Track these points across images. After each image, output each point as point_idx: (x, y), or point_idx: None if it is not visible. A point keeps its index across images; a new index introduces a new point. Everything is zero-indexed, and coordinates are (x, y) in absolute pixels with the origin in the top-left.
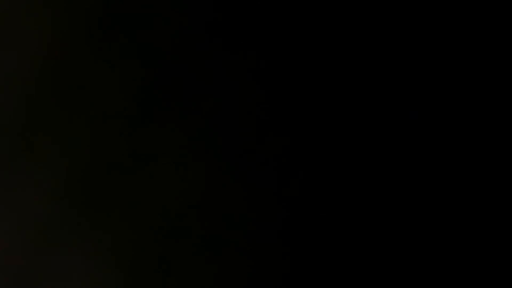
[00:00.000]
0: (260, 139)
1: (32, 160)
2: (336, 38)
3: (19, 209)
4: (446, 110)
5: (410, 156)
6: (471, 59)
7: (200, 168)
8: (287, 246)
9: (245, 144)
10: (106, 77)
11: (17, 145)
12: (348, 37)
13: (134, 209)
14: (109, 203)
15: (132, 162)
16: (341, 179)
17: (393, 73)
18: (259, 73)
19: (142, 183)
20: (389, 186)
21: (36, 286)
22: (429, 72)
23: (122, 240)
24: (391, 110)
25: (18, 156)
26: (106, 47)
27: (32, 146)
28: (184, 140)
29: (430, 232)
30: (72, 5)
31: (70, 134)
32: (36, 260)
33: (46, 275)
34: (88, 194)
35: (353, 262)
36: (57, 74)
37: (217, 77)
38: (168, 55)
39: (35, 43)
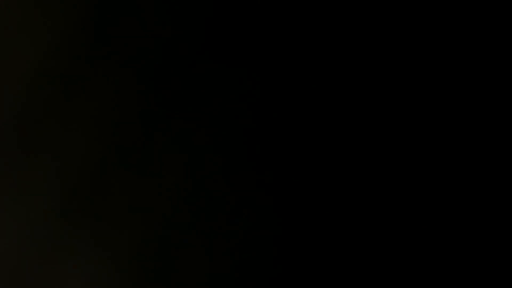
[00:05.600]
0: (259, 140)
1: (27, 166)
2: (335, 39)
3: (15, 214)
4: (446, 110)
5: (410, 156)
6: (471, 59)
7: (197, 171)
8: (287, 246)
9: (244, 146)
10: (102, 82)
11: (12, 150)
12: (348, 37)
13: (131, 213)
14: (105, 207)
15: (128, 166)
16: (340, 180)
17: (391, 73)
18: (259, 75)
19: (138, 187)
20: (388, 187)
21: None
22: (429, 72)
23: (118, 244)
24: (390, 111)
25: (13, 162)
26: (102, 52)
27: (27, 152)
28: (180, 145)
29: (430, 232)
30: (68, 11)
31: (65, 140)
32: (33, 264)
33: (43, 278)
34: (84, 198)
35: (351, 262)
36: (53, 79)
37: (215, 80)
38: (165, 59)
39: (31, 48)
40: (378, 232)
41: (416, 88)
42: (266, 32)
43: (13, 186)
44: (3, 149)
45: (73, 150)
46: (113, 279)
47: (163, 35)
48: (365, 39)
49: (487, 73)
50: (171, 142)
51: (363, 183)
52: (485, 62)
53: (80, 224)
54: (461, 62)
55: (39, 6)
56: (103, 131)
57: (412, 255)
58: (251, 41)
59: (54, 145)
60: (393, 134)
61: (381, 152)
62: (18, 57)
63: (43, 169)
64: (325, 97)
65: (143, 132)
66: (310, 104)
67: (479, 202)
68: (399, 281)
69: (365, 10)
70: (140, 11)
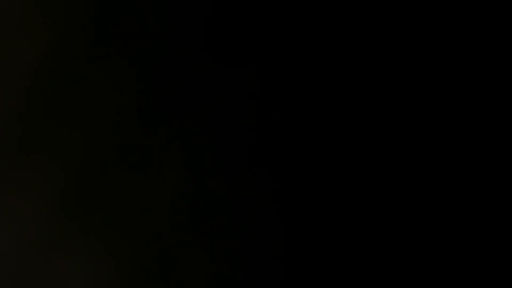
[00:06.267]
0: (259, 140)
1: (27, 166)
2: (335, 39)
3: (16, 214)
4: (446, 110)
5: (410, 156)
6: (471, 59)
7: (197, 171)
8: (287, 246)
9: (244, 146)
10: (102, 82)
11: (12, 150)
12: (348, 37)
13: (131, 213)
14: (105, 207)
15: (128, 166)
16: (340, 180)
17: (391, 73)
18: (259, 75)
19: (138, 187)
20: (388, 185)
21: None
22: (429, 72)
23: (118, 244)
24: (390, 111)
25: (13, 162)
26: (102, 52)
27: (27, 152)
28: (180, 145)
29: (430, 232)
30: (68, 11)
31: (65, 140)
32: (33, 264)
33: (43, 278)
34: (84, 198)
35: (352, 263)
36: (53, 79)
37: (215, 80)
38: (165, 59)
39: (31, 48)
40: (378, 232)
41: (416, 88)
42: (266, 32)
43: (13, 186)
44: (3, 149)
45: (73, 150)
46: (113, 279)
47: (163, 35)
48: (365, 39)
49: (487, 73)
50: (171, 142)
51: (364, 183)
52: (485, 62)
53: (80, 224)
54: (461, 62)
55: (39, 6)
56: (103, 131)
57: (412, 255)
58: (251, 41)
59: (54, 145)
60: (393, 134)
61: (381, 152)
62: (18, 57)
63: (43, 169)
64: (325, 97)
65: (143, 132)
66: (310, 104)
67: (479, 202)
68: (399, 281)
69: (365, 10)
70: (140, 11)
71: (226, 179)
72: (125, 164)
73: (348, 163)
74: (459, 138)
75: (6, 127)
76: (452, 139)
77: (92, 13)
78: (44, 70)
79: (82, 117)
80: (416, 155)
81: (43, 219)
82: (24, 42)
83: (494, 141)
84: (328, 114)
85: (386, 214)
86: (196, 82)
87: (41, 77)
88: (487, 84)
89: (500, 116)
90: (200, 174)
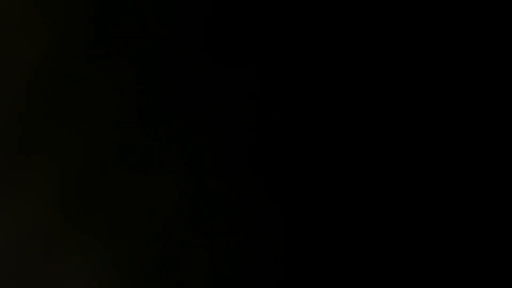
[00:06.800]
0: (259, 140)
1: (27, 166)
2: (335, 39)
3: (16, 214)
4: (446, 110)
5: (410, 157)
6: (471, 59)
7: (197, 171)
8: (288, 246)
9: (244, 146)
10: (102, 82)
11: (12, 150)
12: (348, 37)
13: (131, 213)
14: (105, 207)
15: (128, 166)
16: (340, 180)
17: (391, 73)
18: (259, 75)
19: (138, 187)
20: (388, 186)
21: None
22: (429, 72)
23: (119, 244)
24: (390, 111)
25: (13, 162)
26: (102, 52)
27: (27, 152)
28: (180, 145)
29: (430, 232)
30: (68, 11)
31: (65, 140)
32: (33, 264)
33: (43, 278)
34: (84, 198)
35: (352, 263)
36: (53, 79)
37: (215, 80)
38: (165, 59)
39: (31, 48)
40: (378, 232)
41: (416, 88)
42: (266, 32)
43: (13, 186)
44: (3, 149)
45: (73, 150)
46: (113, 279)
47: (163, 35)
48: (365, 39)
49: (487, 73)
50: (171, 142)
51: (363, 183)
52: (485, 62)
53: (80, 224)
54: (461, 62)
55: (39, 6)
56: (103, 131)
57: (412, 255)
58: (251, 41)
59: (54, 145)
60: (393, 134)
61: (381, 152)
62: (18, 57)
63: (43, 169)
64: (326, 97)
65: (143, 132)
66: (310, 104)
67: (479, 202)
68: (399, 281)
69: (365, 10)
70: (140, 11)
71: (226, 179)
72: (125, 164)
73: (348, 163)
74: (459, 138)
75: (6, 127)
76: (452, 139)
77: (92, 13)
78: (44, 70)
79: (82, 117)
80: (415, 155)
81: (43, 219)
82: (24, 42)
83: (494, 141)
84: (328, 114)
85: (386, 214)
86: (196, 82)
87: (41, 77)
88: (487, 84)
89: (500, 116)
90: (200, 174)
